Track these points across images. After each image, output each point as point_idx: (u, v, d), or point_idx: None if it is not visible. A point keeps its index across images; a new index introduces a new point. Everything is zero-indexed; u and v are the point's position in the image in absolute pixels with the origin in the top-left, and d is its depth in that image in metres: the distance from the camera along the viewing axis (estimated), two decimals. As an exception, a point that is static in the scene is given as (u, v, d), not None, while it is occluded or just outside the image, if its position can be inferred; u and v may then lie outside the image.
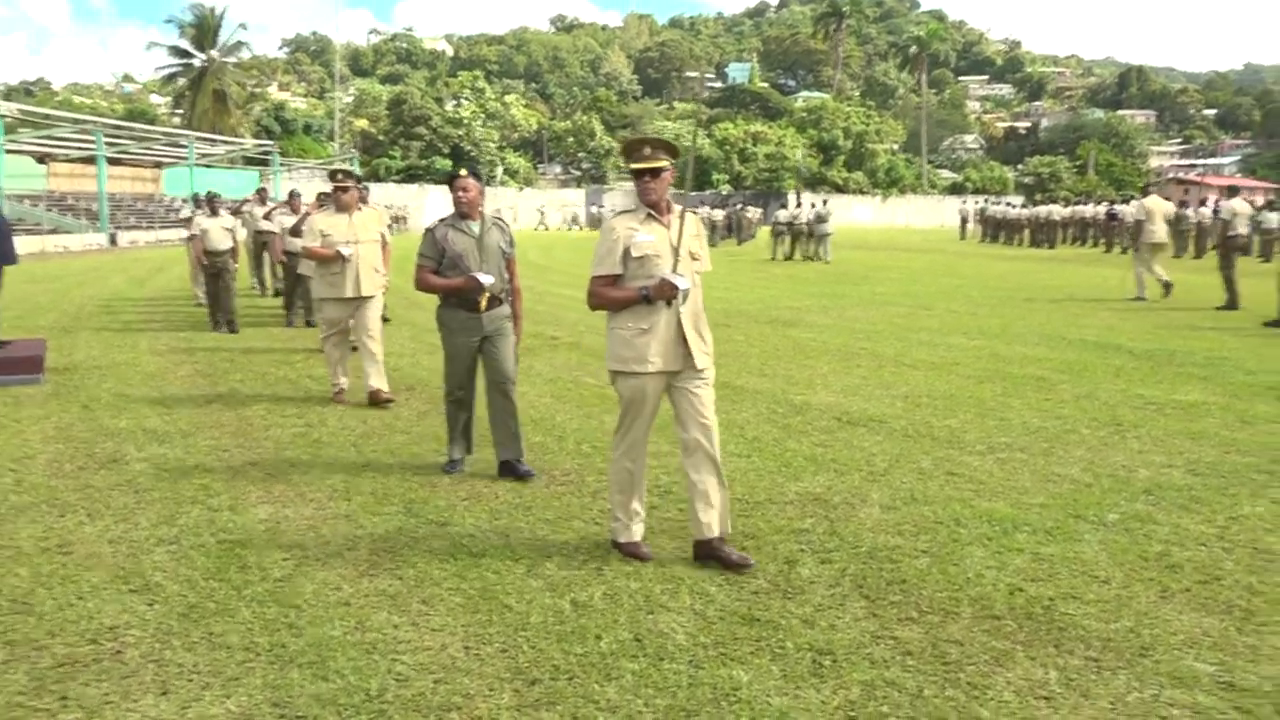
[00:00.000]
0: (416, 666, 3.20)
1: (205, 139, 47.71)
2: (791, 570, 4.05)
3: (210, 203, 12.34)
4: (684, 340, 4.03)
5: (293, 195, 13.39)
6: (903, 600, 3.72)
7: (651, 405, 4.11)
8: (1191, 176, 71.32)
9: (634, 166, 4.08)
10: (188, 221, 14.44)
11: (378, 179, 56.85)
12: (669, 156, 4.06)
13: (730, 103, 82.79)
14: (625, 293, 4.05)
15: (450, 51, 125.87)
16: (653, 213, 4.10)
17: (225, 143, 50.21)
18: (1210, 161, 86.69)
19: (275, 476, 5.45)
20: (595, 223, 57.02)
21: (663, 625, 3.51)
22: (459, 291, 5.30)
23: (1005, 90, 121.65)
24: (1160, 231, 15.05)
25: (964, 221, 45.63)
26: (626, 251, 4.03)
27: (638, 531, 4.27)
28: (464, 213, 5.38)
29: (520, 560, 4.16)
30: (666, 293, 3.95)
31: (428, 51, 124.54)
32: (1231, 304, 13.50)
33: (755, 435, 6.40)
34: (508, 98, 74.47)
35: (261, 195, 16.04)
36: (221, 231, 11.79)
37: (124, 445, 6.17)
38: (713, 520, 4.07)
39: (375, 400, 7.29)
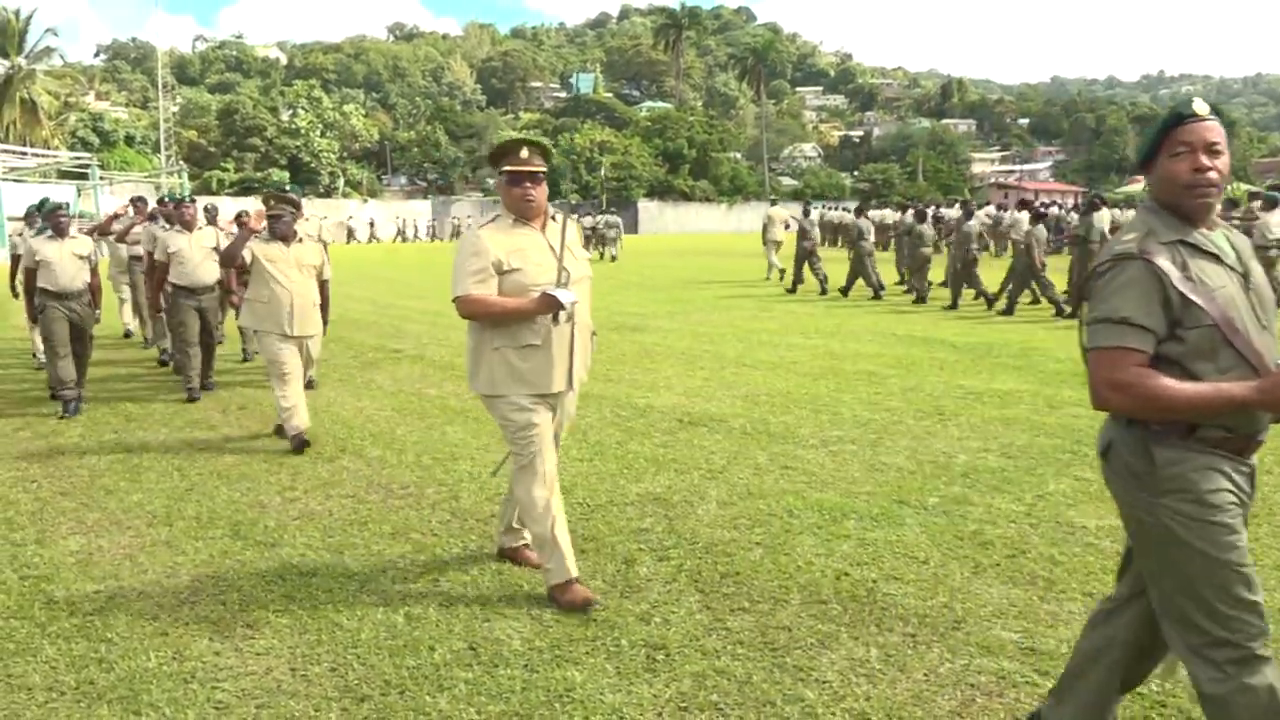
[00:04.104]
0: (238, 693, 3.07)
1: (13, 151, 44.43)
2: (630, 569, 4.09)
3: (53, 218, 7.77)
4: None
5: (180, 203, 8.79)
6: (735, 591, 3.82)
7: None
8: (1010, 181, 76.57)
9: None
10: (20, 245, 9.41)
11: (210, 192, 54.28)
12: None
13: (576, 112, 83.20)
14: None
15: (284, 60, 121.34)
16: None
17: (37, 155, 46.91)
18: (1026, 167, 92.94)
19: (89, 505, 5.12)
20: (455, 233, 56.35)
21: (498, 632, 3.48)
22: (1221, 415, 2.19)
23: (839, 101, 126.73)
24: (778, 232, 20.48)
25: (804, 227, 47.24)
26: None
27: None
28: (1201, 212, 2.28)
29: (353, 577, 4.05)
30: None
31: (260, 60, 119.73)
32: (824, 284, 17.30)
33: (598, 439, 6.43)
34: (347, 107, 72.23)
35: (139, 207, 10.93)
36: (73, 261, 7.60)
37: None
38: None
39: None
